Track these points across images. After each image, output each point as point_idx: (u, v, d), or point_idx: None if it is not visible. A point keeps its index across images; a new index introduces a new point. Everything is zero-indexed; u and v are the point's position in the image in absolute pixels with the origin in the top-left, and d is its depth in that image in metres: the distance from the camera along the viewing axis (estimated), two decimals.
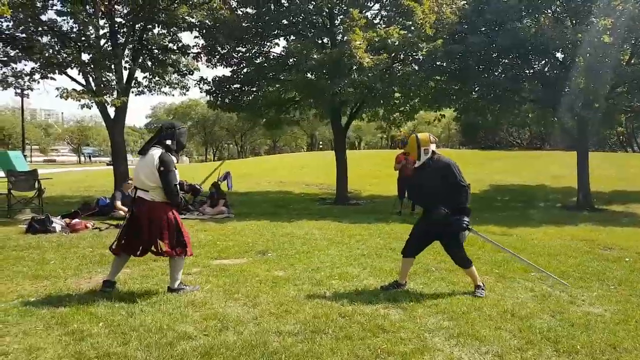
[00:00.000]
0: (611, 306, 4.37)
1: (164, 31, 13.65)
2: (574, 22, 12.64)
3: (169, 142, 4.52)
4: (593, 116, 12.68)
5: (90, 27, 12.26)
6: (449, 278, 5.23)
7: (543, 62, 13.94)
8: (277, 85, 14.48)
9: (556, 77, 13.02)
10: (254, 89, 14.38)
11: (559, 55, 13.43)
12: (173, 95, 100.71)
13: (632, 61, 12.77)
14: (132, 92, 13.93)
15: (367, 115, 15.80)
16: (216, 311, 4.08)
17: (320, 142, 63.03)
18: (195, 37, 14.03)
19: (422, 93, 13.83)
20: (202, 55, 14.34)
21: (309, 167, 24.44)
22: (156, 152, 4.45)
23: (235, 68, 14.28)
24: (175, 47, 14.23)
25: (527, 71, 13.57)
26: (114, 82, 12.25)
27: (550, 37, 11.21)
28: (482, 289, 4.70)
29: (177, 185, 4.49)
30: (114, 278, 4.68)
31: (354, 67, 11.89)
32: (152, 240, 4.51)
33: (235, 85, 14.32)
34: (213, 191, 11.24)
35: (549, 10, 13.18)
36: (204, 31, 13.61)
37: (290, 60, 13.21)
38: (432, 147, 4.69)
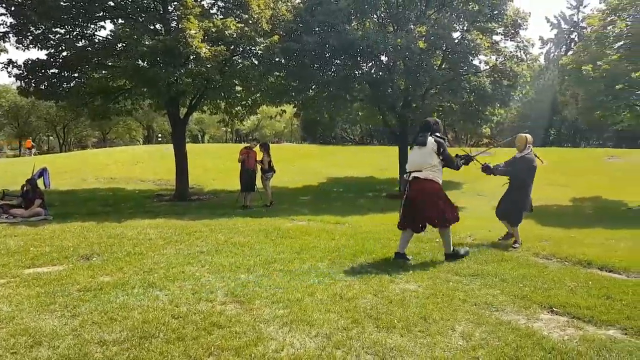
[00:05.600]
0: (423, 282, 4.95)
1: None
2: (395, 27, 14.05)
3: (438, 133, 5.92)
4: (412, 115, 14.31)
5: None
6: (287, 268, 5.38)
7: (370, 64, 15.23)
8: (103, 72, 13.21)
9: (381, 79, 14.36)
10: (76, 75, 12.90)
11: (383, 58, 14.81)
12: None
13: (443, 66, 14.69)
14: None
15: (208, 108, 15.39)
16: (27, 326, 3.60)
17: (160, 135, 59.25)
18: (2, 14, 12.00)
19: (262, 88, 13.96)
20: (10, 35, 12.31)
21: (145, 162, 22.88)
22: (431, 139, 5.78)
23: (52, 51, 12.59)
24: None
25: (357, 72, 14.68)
26: None
27: (375, 41, 12.27)
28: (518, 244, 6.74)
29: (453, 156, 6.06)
30: (403, 250, 5.80)
31: (191, 57, 11.46)
32: (432, 216, 5.72)
33: (52, 70, 12.63)
34: (27, 189, 9.81)
35: (374, 16, 14.44)
36: (13, 8, 11.71)
37: (119, 45, 12.16)
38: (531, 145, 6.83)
